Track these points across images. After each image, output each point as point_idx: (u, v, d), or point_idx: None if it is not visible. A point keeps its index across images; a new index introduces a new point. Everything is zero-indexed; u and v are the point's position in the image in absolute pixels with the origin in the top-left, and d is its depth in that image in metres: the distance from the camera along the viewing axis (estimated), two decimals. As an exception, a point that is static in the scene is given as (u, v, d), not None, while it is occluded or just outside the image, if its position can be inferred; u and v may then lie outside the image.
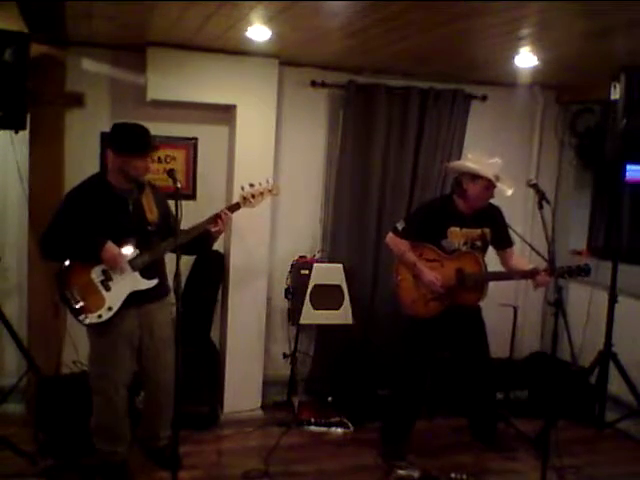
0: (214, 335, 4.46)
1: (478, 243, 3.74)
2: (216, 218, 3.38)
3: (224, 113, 4.35)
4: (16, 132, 3.65)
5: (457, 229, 3.69)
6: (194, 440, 3.88)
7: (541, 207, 3.21)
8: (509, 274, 3.85)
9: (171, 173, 3.03)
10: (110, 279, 3.15)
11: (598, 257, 4.77)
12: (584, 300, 4.61)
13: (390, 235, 3.80)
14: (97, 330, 3.20)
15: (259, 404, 4.43)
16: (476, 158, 3.72)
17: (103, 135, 4.14)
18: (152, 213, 3.28)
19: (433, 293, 3.67)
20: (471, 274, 3.66)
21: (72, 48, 4.01)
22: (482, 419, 4.05)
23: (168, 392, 3.24)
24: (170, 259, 3.20)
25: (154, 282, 3.27)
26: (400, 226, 3.76)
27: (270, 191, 3.57)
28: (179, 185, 2.95)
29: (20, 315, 4.07)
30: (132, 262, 3.18)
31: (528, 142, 5.02)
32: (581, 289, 4.76)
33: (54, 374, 4.02)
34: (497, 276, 3.80)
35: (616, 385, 4.31)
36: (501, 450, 3.96)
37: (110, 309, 3.14)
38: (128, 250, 3.17)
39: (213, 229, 3.39)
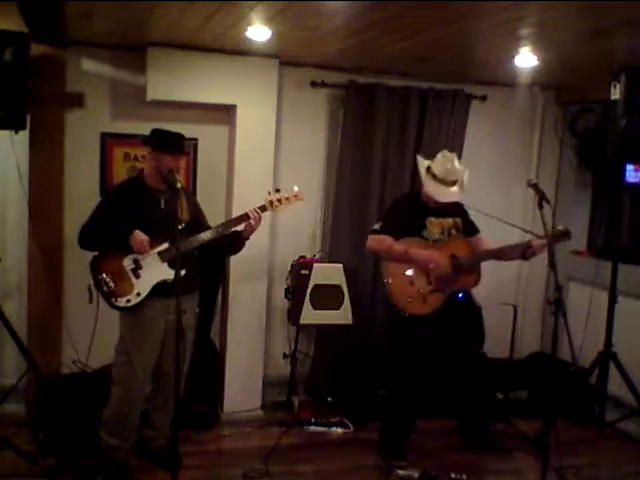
0: (214, 335, 4.46)
1: (454, 231, 3.75)
2: (245, 217, 3.46)
3: (224, 113, 4.35)
4: (16, 132, 3.65)
5: (434, 219, 3.70)
6: (194, 440, 3.89)
7: (541, 207, 3.21)
8: (501, 250, 3.71)
9: (171, 173, 3.06)
10: (140, 267, 3.31)
11: (598, 257, 4.77)
12: (584, 300, 4.61)
13: (370, 237, 3.72)
14: (128, 320, 3.36)
15: (259, 404, 4.43)
16: (437, 160, 3.68)
17: (103, 135, 4.16)
18: (183, 213, 3.40)
19: (435, 278, 3.59)
20: (465, 257, 3.65)
21: (72, 48, 4.00)
22: (472, 418, 4.02)
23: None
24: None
25: (181, 272, 3.33)
26: (377, 226, 3.71)
27: (296, 197, 3.57)
28: (179, 185, 2.99)
29: (20, 315, 4.07)
30: (161, 254, 3.33)
31: (528, 142, 5.02)
32: (581, 289, 4.77)
33: (54, 374, 4.02)
34: (490, 254, 3.72)
35: (616, 385, 4.30)
36: (496, 450, 3.95)
37: (139, 295, 3.30)
38: (161, 245, 3.33)
39: (244, 227, 3.47)
